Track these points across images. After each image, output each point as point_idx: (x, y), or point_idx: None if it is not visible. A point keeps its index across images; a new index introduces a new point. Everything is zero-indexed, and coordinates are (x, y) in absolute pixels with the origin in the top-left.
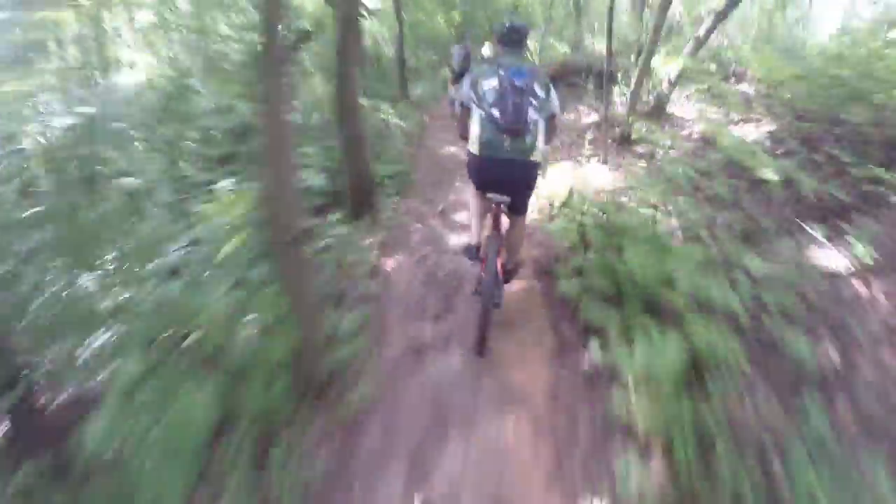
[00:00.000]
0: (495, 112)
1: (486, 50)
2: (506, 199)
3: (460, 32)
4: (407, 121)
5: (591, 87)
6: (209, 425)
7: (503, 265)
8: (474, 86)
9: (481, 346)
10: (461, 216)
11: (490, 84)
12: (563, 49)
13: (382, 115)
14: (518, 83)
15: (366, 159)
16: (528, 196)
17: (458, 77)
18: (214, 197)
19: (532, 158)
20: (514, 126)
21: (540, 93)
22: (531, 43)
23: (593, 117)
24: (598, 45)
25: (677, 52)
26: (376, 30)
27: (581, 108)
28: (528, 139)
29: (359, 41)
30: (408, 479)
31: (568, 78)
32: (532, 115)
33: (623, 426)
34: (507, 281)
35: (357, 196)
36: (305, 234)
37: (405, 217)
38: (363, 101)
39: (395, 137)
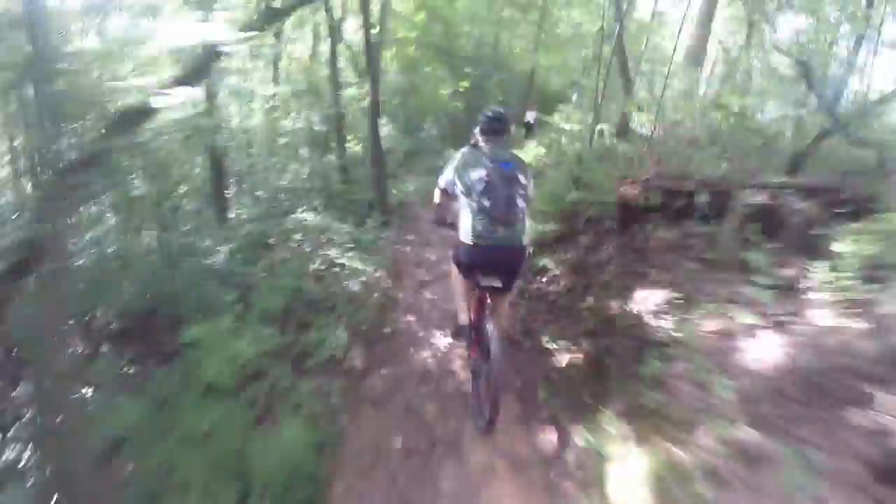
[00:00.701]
0: (486, 202)
1: (530, 116)
2: (497, 283)
3: (467, 103)
4: (369, 261)
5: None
6: None
7: (501, 335)
8: (461, 175)
9: (490, 427)
10: None
11: (478, 174)
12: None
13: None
14: (507, 173)
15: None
16: (518, 274)
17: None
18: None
19: (523, 244)
20: (507, 216)
21: (525, 181)
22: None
23: None
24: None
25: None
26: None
27: None
28: (519, 226)
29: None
30: None
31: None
32: (521, 203)
33: None
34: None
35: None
36: None
37: None
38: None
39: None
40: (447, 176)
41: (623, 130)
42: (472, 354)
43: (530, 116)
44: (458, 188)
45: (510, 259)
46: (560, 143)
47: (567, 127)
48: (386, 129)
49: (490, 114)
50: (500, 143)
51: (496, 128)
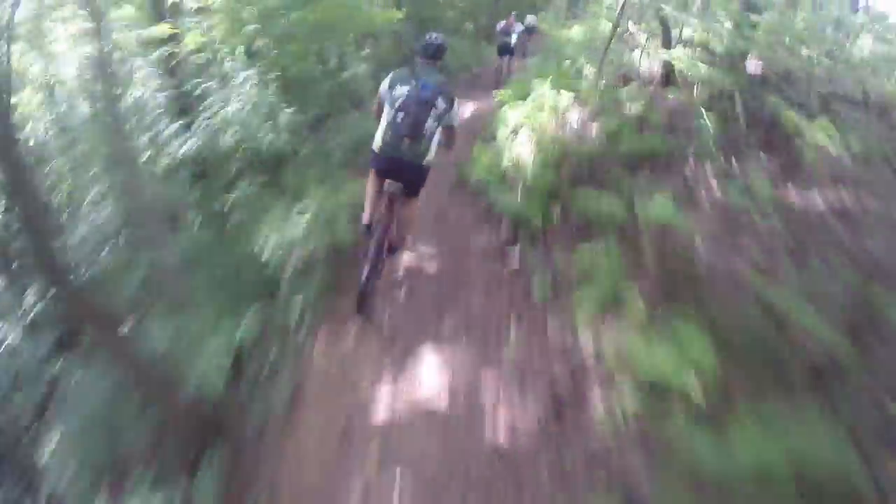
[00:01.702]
0: (398, 118)
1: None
2: (399, 185)
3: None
4: None
5: None
6: None
7: (391, 241)
8: (390, 88)
9: (362, 306)
10: None
11: (401, 91)
12: None
13: None
14: (425, 96)
15: None
16: (420, 186)
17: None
18: None
19: (423, 163)
20: (412, 135)
21: (442, 105)
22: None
23: None
24: None
25: None
26: None
27: None
28: (423, 144)
29: None
30: None
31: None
32: (429, 125)
33: None
34: (391, 252)
35: None
36: None
37: None
38: None
39: None
40: (383, 87)
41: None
42: (370, 246)
43: (531, 20)
44: (386, 96)
45: (409, 172)
46: None
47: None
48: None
49: (427, 40)
50: (433, 68)
51: (430, 53)
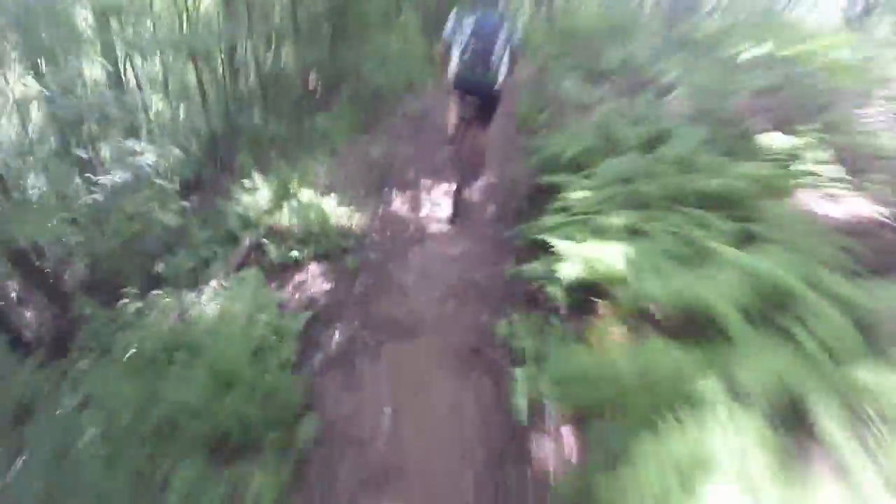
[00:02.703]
0: (466, 57)
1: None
2: (476, 99)
3: None
4: None
5: None
6: None
7: (472, 158)
8: (455, 30)
9: (454, 217)
10: None
11: (467, 31)
12: None
13: None
14: (487, 31)
15: None
16: (493, 110)
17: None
18: None
19: (495, 87)
20: (483, 64)
21: (503, 37)
22: None
23: None
24: None
25: None
26: None
27: None
28: (492, 70)
29: None
30: None
31: None
32: (496, 52)
33: None
34: (475, 176)
35: None
36: None
37: None
38: None
39: None
40: (445, 32)
41: None
42: (454, 152)
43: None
44: (452, 37)
45: (483, 93)
46: None
47: None
48: None
49: None
50: (491, 8)
51: None
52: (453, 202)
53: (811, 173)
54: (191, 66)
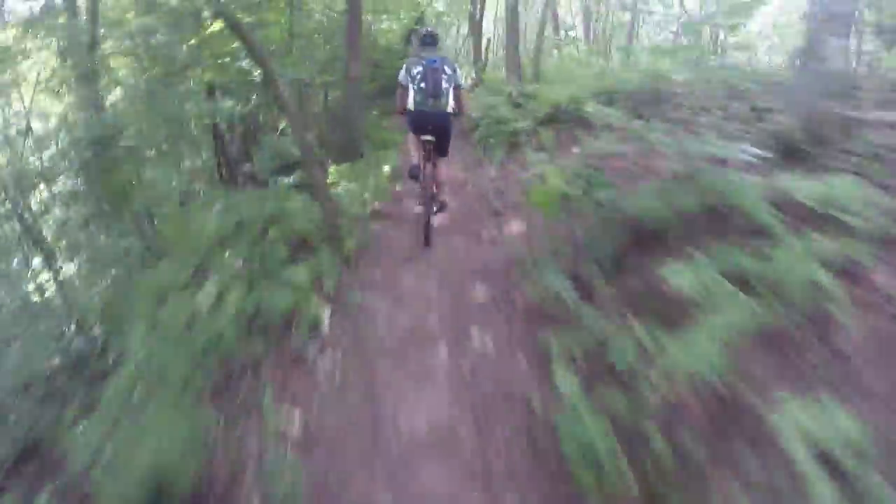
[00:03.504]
0: (421, 85)
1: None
2: (431, 137)
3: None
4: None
5: None
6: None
7: (433, 194)
8: (408, 72)
9: (428, 240)
10: None
11: (417, 70)
12: None
13: None
14: (434, 67)
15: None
16: (448, 139)
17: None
18: None
19: (447, 111)
20: (434, 93)
21: (449, 71)
22: None
23: None
24: None
25: None
26: None
27: None
28: (443, 100)
29: None
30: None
31: None
32: (444, 85)
33: None
34: (440, 209)
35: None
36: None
37: None
38: None
39: None
40: (401, 76)
41: None
42: (421, 186)
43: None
44: (407, 80)
45: (438, 121)
46: None
47: None
48: None
49: (424, 32)
50: (432, 49)
51: (429, 41)
52: (424, 231)
53: None
54: None
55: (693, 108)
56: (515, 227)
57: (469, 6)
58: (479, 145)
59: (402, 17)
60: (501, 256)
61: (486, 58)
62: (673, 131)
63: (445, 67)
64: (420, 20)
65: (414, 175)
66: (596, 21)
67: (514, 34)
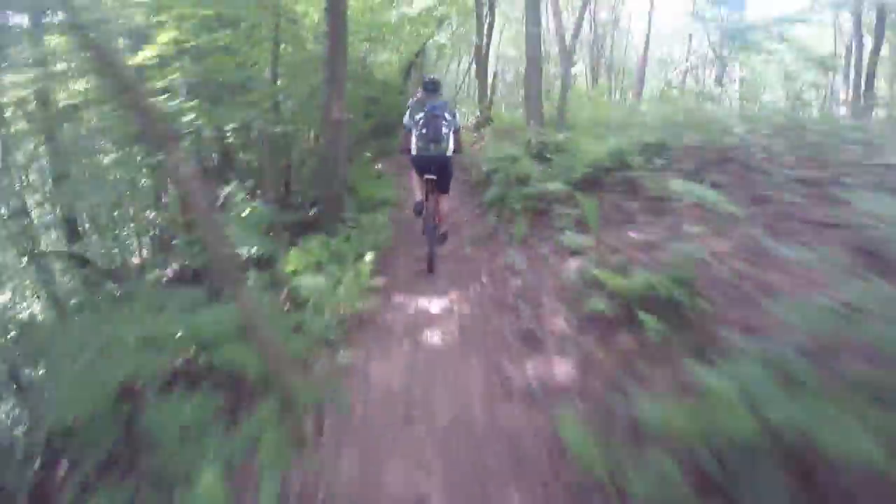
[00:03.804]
0: (424, 130)
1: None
2: (433, 177)
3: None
4: None
5: None
6: None
7: (435, 225)
8: (412, 116)
9: (431, 267)
10: None
11: (419, 115)
12: None
13: None
14: (435, 113)
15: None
16: (448, 178)
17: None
18: None
19: (447, 154)
20: (435, 138)
21: (448, 117)
22: None
23: None
24: None
25: None
26: None
27: None
28: (443, 144)
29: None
30: None
31: None
32: (444, 130)
33: None
34: (441, 241)
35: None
36: None
37: None
38: None
39: None
40: (406, 119)
41: None
42: (423, 223)
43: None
44: (411, 124)
45: (439, 162)
46: None
47: None
48: None
49: (427, 79)
50: (434, 96)
51: (431, 88)
52: (428, 260)
53: None
54: None
55: (797, 180)
56: (561, 370)
57: (475, 38)
58: (490, 210)
59: (401, 49)
60: (541, 426)
61: (493, 94)
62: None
63: (446, 114)
64: (421, 52)
65: (418, 211)
66: (609, 52)
67: (535, 69)
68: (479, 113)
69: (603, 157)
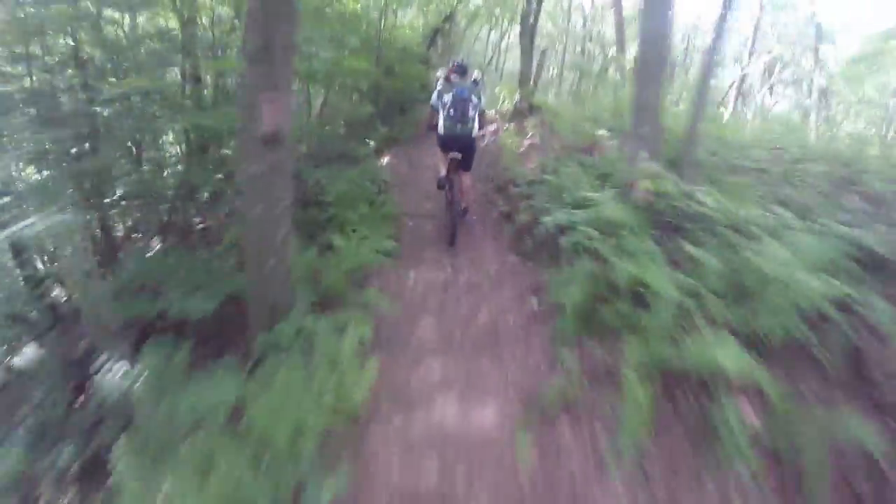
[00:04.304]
0: (451, 112)
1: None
2: (458, 155)
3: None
4: None
5: None
6: None
7: (458, 200)
8: (440, 97)
9: (453, 240)
10: None
11: (447, 97)
12: None
13: None
14: (463, 96)
15: None
16: (472, 157)
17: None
18: None
19: (472, 135)
20: (462, 119)
21: (475, 100)
22: None
23: None
24: None
25: None
26: None
27: None
28: (469, 125)
29: None
30: None
31: None
32: (471, 112)
33: None
34: (463, 215)
35: None
36: None
37: None
38: None
39: None
40: (433, 100)
41: None
42: (447, 196)
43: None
44: (438, 104)
45: (464, 142)
46: None
47: None
48: None
49: (456, 63)
50: (462, 78)
51: (459, 71)
52: (450, 233)
53: None
54: None
55: None
56: None
57: (524, 3)
58: (554, 325)
59: (428, 10)
60: None
61: (537, 80)
62: None
63: (473, 97)
64: (449, 17)
65: (442, 185)
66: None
67: (659, 52)
68: (518, 97)
69: (814, 294)
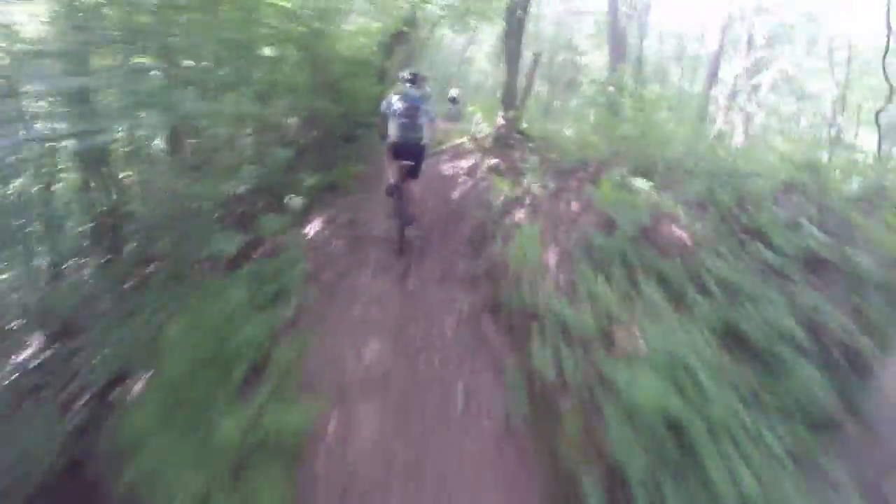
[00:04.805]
0: (401, 120)
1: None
2: (409, 162)
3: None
4: None
5: None
6: None
7: (407, 209)
8: (390, 105)
9: (401, 248)
10: None
11: (398, 105)
12: None
13: None
14: (413, 104)
15: None
16: (420, 164)
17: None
18: None
19: (421, 143)
20: (412, 127)
21: (425, 108)
22: None
23: None
24: None
25: None
26: None
27: None
28: (418, 132)
29: None
30: None
31: None
32: (420, 120)
33: None
34: (410, 223)
35: None
36: None
37: None
38: None
39: None
40: (383, 105)
41: None
42: (395, 203)
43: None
44: (389, 111)
45: (413, 150)
46: None
47: None
48: None
49: (407, 74)
50: (414, 87)
51: (411, 80)
52: (398, 239)
53: None
54: None
55: None
56: None
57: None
58: None
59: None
60: None
61: (526, 96)
62: None
63: (423, 106)
64: (410, 21)
65: (390, 192)
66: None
67: None
68: (500, 120)
69: None
